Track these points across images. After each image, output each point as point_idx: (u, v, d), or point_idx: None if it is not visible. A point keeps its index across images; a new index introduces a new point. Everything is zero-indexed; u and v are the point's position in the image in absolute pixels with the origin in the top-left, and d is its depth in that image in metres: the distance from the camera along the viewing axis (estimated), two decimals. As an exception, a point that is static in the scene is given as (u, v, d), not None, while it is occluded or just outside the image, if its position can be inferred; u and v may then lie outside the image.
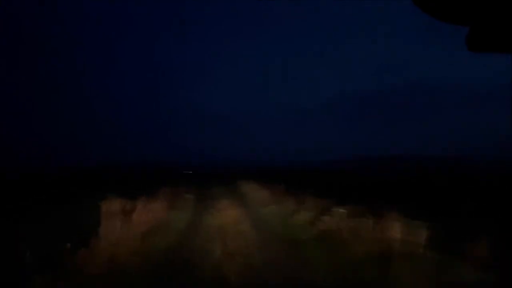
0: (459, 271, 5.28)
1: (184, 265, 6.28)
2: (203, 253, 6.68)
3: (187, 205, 15.35)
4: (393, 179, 34.83)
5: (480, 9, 0.92)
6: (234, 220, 9.85)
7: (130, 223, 8.74)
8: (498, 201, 13.33)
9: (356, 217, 8.26)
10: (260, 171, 66.58)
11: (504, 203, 12.35)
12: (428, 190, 20.00)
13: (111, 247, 6.66)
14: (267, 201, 14.68)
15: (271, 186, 18.47)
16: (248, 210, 13.16)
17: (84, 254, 6.11)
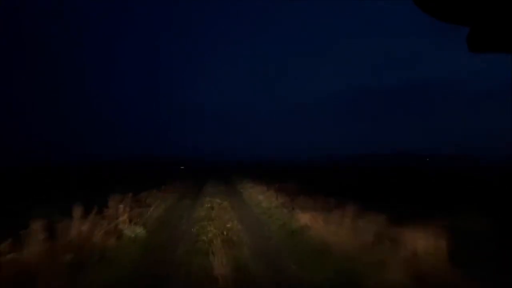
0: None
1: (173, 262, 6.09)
2: (194, 251, 6.50)
3: (182, 201, 14.59)
4: (391, 176, 34.31)
5: (480, 9, 0.91)
6: (230, 216, 9.43)
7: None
8: (499, 200, 12.91)
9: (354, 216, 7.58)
10: (259, 167, 65.54)
11: (505, 202, 12.09)
12: (427, 188, 19.28)
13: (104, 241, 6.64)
14: (264, 198, 13.56)
15: (269, 183, 17.46)
16: (244, 207, 12.37)
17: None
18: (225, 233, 7.93)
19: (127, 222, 8.23)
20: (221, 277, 5.06)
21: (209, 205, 12.39)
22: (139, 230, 8.04)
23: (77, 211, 6.35)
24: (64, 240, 5.56)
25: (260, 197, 14.68)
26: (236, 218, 10.16)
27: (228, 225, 8.93)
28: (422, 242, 5.19)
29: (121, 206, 8.48)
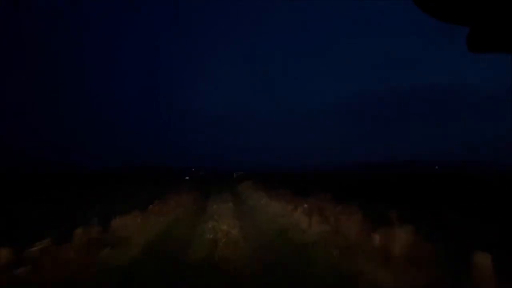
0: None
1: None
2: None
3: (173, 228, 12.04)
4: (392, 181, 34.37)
5: (480, 9, 0.91)
6: (243, 259, 7.55)
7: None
8: (499, 202, 12.94)
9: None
10: (261, 173, 62.17)
11: (505, 203, 12.11)
12: (430, 192, 19.56)
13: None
14: (290, 223, 10.71)
15: (271, 188, 17.44)
16: (263, 237, 9.71)
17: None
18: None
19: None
20: None
21: (211, 236, 8.58)
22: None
23: None
24: None
25: (283, 221, 10.65)
26: (254, 264, 6.34)
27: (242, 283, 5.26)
28: None
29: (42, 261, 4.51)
